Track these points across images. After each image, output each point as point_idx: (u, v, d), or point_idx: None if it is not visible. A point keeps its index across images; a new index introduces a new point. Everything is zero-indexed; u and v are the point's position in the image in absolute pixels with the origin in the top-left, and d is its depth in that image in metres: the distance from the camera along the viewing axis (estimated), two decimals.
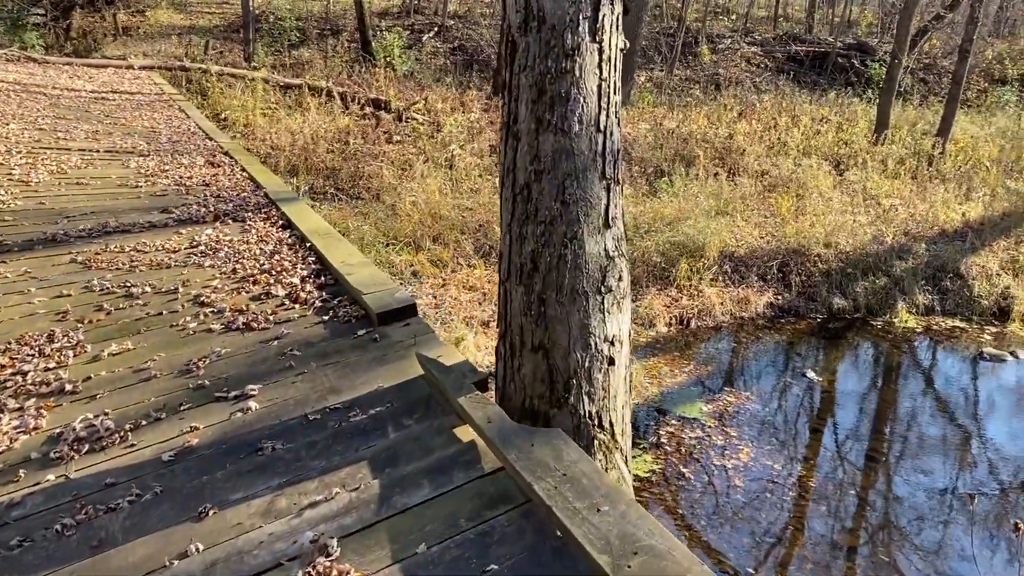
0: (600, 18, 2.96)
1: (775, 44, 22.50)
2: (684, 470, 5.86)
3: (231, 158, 7.88)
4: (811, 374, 7.51)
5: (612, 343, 3.04)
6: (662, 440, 6.23)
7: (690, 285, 9.01)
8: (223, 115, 13.20)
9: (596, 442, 3.04)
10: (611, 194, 3.06)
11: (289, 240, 5.33)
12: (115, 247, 5.19)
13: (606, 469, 3.02)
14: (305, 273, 4.67)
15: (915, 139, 14.70)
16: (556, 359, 3.00)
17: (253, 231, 5.54)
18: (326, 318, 4.07)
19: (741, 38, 22.78)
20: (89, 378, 3.54)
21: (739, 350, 8.11)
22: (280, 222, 5.77)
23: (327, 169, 11.59)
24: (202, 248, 5.18)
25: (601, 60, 3.00)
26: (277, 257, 4.96)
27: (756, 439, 6.28)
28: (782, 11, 26.79)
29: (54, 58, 13.51)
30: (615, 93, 3.06)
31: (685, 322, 8.57)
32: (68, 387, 3.45)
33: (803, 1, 29.79)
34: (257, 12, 19.95)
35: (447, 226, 9.73)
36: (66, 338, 3.93)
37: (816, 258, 9.71)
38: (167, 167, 7.36)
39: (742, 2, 28.74)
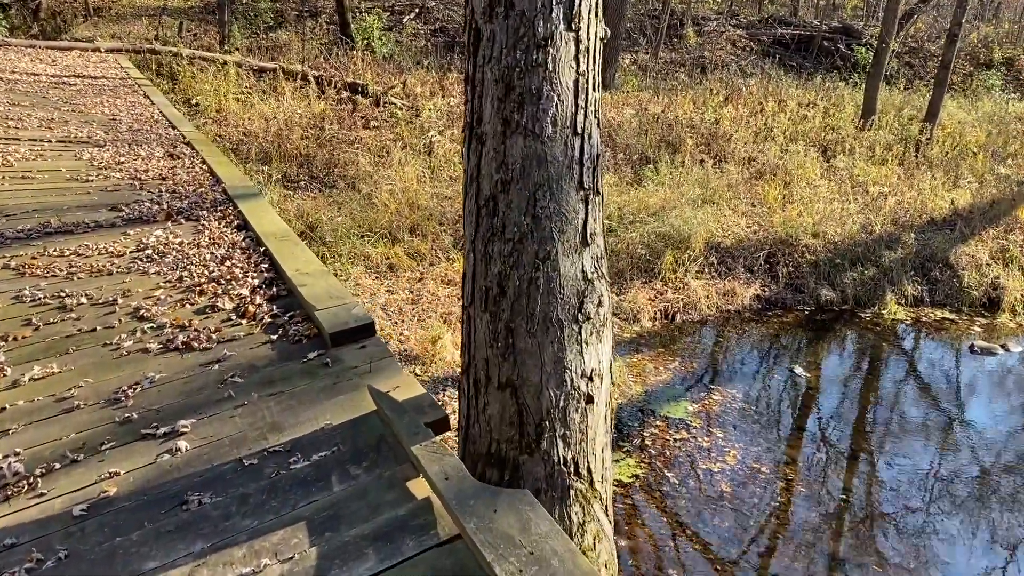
0: (577, 3, 2.52)
1: (760, 27, 22.03)
2: (669, 474, 5.51)
3: (193, 149, 7.39)
4: (799, 369, 7.18)
5: (590, 378, 2.63)
6: (646, 442, 5.89)
7: (675, 278, 8.63)
8: (194, 100, 12.65)
9: (572, 492, 2.63)
10: (589, 207, 2.63)
11: (243, 243, 4.87)
12: (54, 251, 4.72)
13: (583, 523, 2.61)
14: (257, 283, 4.22)
15: (902, 124, 14.33)
16: (526, 398, 2.58)
17: (206, 232, 5.08)
18: (275, 337, 3.62)
19: (726, 20, 22.29)
20: (4, 408, 3.10)
21: (725, 345, 7.76)
22: (236, 222, 5.30)
23: (301, 156, 11.11)
24: (149, 252, 4.72)
25: (578, 51, 2.57)
26: (228, 264, 4.50)
27: (743, 440, 5.95)
28: None
29: (16, 40, 12.89)
30: (594, 89, 2.63)
31: (670, 316, 8.20)
32: None
33: None
34: None
35: (424, 216, 9.30)
36: None
37: (804, 248, 9.35)
38: (123, 159, 6.87)
39: None
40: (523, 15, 2.49)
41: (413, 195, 9.85)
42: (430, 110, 13.24)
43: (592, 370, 2.62)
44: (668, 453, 5.79)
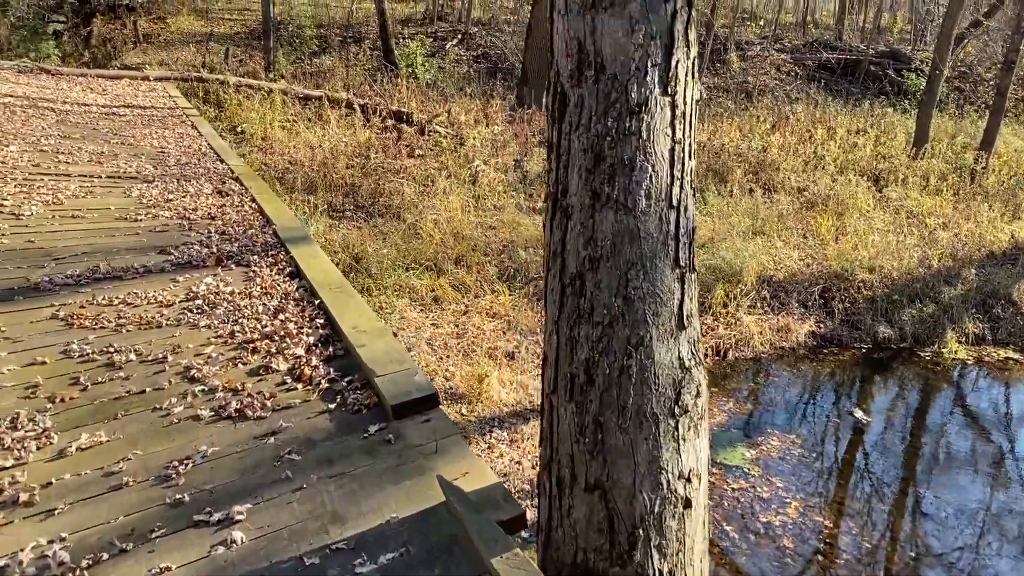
0: (673, 65, 2.27)
1: (805, 51, 21.62)
2: (728, 528, 5.20)
3: (241, 184, 7.23)
4: (859, 413, 6.83)
5: (688, 479, 2.35)
6: None
7: (726, 312, 8.31)
8: (240, 128, 12.61)
9: None
10: (685, 286, 2.37)
11: (296, 294, 4.66)
12: (103, 299, 4.54)
13: None
14: (312, 340, 4.00)
15: (955, 153, 13.87)
16: (617, 502, 2.31)
17: (257, 280, 4.88)
18: (332, 406, 3.38)
19: (770, 45, 21.92)
20: (50, 483, 2.90)
21: (781, 384, 7.42)
22: (288, 269, 5.10)
23: (347, 186, 10.98)
24: (199, 302, 4.53)
25: (674, 117, 2.31)
26: (282, 317, 4.29)
27: (804, 491, 5.62)
28: (810, 17, 25.89)
29: (68, 69, 12.94)
30: (690, 158, 2.37)
31: (722, 353, 7.89)
32: (24, 496, 2.81)
33: (831, 6, 28.85)
34: (278, 19, 19.36)
35: (469, 247, 9.10)
36: (32, 423, 3.29)
37: (860, 283, 8.98)
38: (172, 196, 6.73)
39: (770, 7, 27.86)
40: (615, 79, 2.25)
41: (458, 225, 9.67)
42: (474, 138, 13.08)
43: (690, 470, 2.35)
44: (726, 504, 5.49)
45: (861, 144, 14.07)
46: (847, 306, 8.80)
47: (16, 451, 3.10)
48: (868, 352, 8.18)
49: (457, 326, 7.69)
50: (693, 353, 2.39)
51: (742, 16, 25.68)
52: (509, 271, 8.82)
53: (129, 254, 5.34)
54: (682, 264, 2.35)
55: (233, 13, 21.83)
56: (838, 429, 6.60)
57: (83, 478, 2.94)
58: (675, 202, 2.33)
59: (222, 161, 8.17)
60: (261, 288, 4.73)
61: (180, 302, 4.55)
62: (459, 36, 21.13)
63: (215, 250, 5.41)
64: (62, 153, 7.74)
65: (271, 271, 5.04)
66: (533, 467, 5.64)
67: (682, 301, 2.36)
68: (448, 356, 7.11)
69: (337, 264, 8.18)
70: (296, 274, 5.00)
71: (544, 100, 2.53)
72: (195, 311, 4.42)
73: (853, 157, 13.33)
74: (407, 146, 13.04)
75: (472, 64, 20.21)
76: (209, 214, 6.31)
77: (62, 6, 19.11)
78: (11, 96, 10.18)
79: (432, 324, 7.68)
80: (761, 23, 25.87)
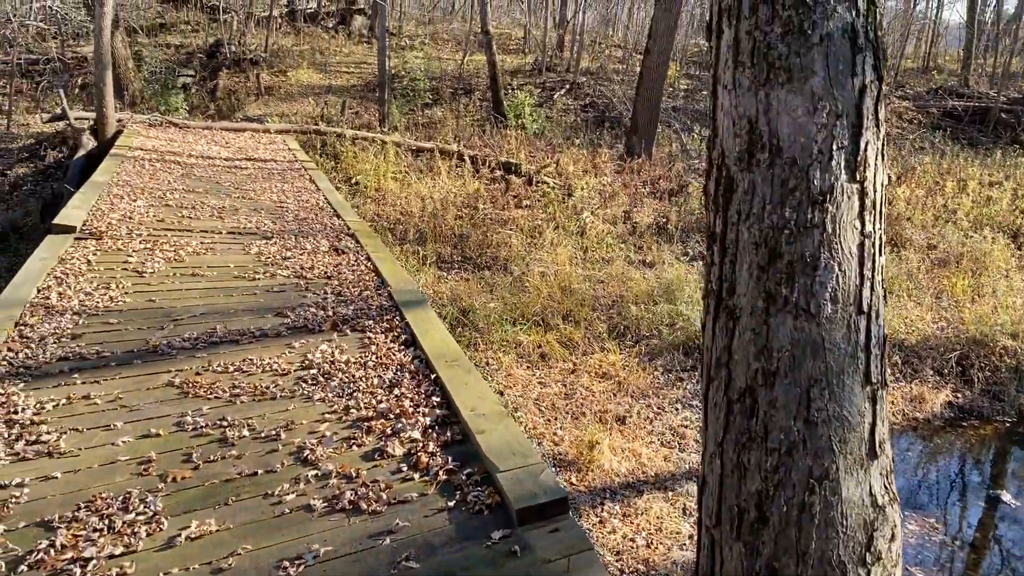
0: (862, 147, 1.93)
1: (928, 98, 20.63)
2: None
3: (357, 242, 7.15)
4: (1006, 496, 6.12)
5: None
6: None
7: None
8: (355, 180, 12.76)
9: None
10: (877, 406, 2.00)
11: (412, 366, 4.44)
12: (218, 365, 4.43)
13: None
14: (428, 422, 3.75)
15: None
16: None
17: (372, 348, 4.70)
18: (452, 503, 3.10)
19: (891, 91, 21.02)
20: None
21: (916, 460, 6.78)
22: (403, 336, 4.90)
23: (455, 237, 10.89)
24: (314, 372, 4.36)
25: (863, 207, 1.97)
26: (397, 392, 4.07)
27: None
28: (933, 62, 24.79)
29: (195, 122, 13.40)
30: (880, 253, 2.01)
31: None
32: None
33: (955, 51, 27.59)
34: (392, 72, 19.74)
35: (577, 302, 8.80)
36: (143, 505, 3.14)
37: (1001, 350, 8.21)
38: (289, 253, 6.69)
39: (890, 52, 26.85)
40: (793, 163, 1.92)
41: (565, 278, 9.39)
42: (582, 189, 12.84)
43: None
44: None
45: (996, 197, 13.15)
46: (988, 375, 8.06)
47: (126, 536, 2.95)
48: (1013, 426, 7.44)
49: (565, 386, 7.37)
50: (887, 487, 2.00)
51: None
52: (619, 328, 8.47)
53: (246, 316, 5.25)
54: (873, 380, 1.98)
55: (350, 67, 22.42)
56: (983, 513, 5.95)
57: (191, 573, 2.74)
58: (865, 307, 1.97)
59: (338, 216, 8.15)
60: (376, 358, 4.53)
61: (295, 370, 4.40)
62: (567, 86, 21.08)
63: (331, 313, 5.27)
64: (185, 208, 7.86)
65: (386, 338, 4.85)
66: (648, 545, 5.26)
67: (874, 424, 1.98)
68: (556, 418, 6.80)
69: (444, 318, 8.04)
70: (411, 342, 4.80)
71: (705, 185, 2.22)
72: (310, 381, 4.25)
73: (988, 211, 12.45)
74: (515, 197, 12.92)
75: (579, 113, 20.10)
76: (325, 273, 6.22)
77: (191, 61, 20.01)
78: (141, 149, 10.53)
79: (539, 383, 7.39)
80: None
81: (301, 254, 6.68)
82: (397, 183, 12.91)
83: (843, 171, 1.93)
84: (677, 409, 7.01)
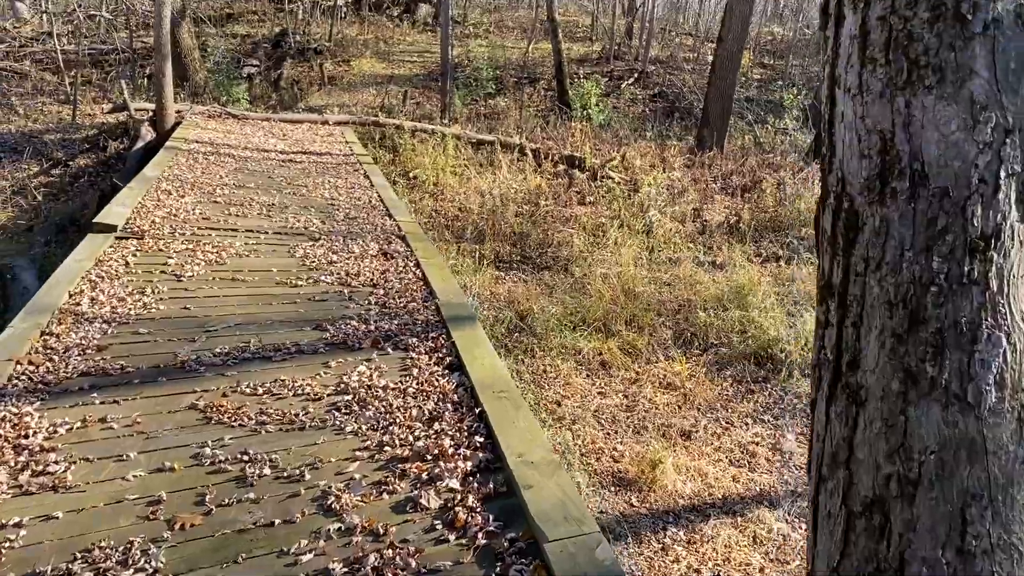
0: None
1: None
2: None
3: (407, 245, 6.73)
4: None
5: None
6: None
7: None
8: (413, 173, 12.38)
9: None
10: None
11: (455, 395, 3.97)
12: (247, 386, 4.04)
13: None
14: (470, 467, 3.27)
15: None
16: None
17: (414, 371, 4.25)
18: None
19: None
20: None
21: None
22: (448, 359, 4.43)
23: (515, 235, 10.43)
24: (348, 398, 3.93)
25: None
26: (437, 427, 3.61)
27: None
28: None
29: (254, 114, 13.19)
30: None
31: None
32: None
33: None
34: (456, 60, 19.32)
35: (642, 307, 8.27)
36: (144, 558, 2.76)
37: None
38: (335, 257, 6.30)
39: None
40: (944, 195, 1.39)
41: (629, 280, 8.85)
42: (650, 185, 12.21)
43: None
44: None
45: None
46: None
47: None
48: None
49: (627, 396, 6.87)
50: None
51: None
52: (685, 335, 7.93)
53: (283, 328, 4.87)
54: None
55: (413, 56, 22.08)
56: None
57: None
58: None
59: (391, 216, 7.75)
60: (417, 384, 4.08)
61: (329, 395, 3.98)
62: (635, 75, 20.36)
63: (373, 328, 4.84)
64: (234, 205, 7.55)
65: (430, 360, 4.40)
66: None
67: None
68: (616, 432, 6.32)
69: (501, 322, 7.59)
70: (457, 366, 4.33)
71: (817, 218, 1.69)
72: (343, 410, 3.82)
73: None
74: (578, 192, 12.38)
75: (648, 104, 19.39)
76: (371, 280, 5.80)
77: (256, 51, 19.91)
78: (198, 142, 10.30)
79: (599, 393, 6.91)
80: None
81: (348, 258, 6.28)
82: (456, 177, 12.50)
83: (1013, 207, 1.38)
84: (747, 424, 6.46)
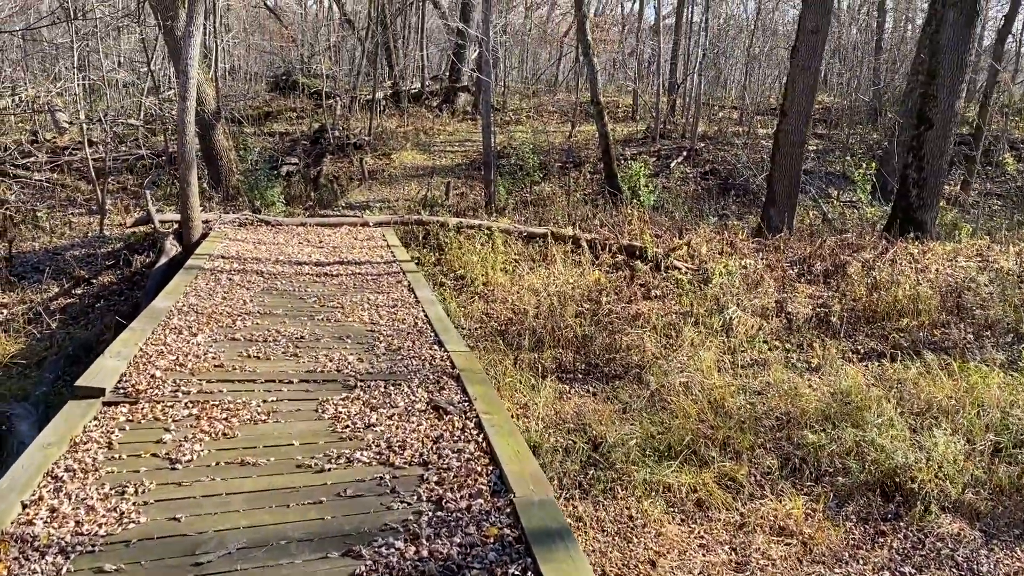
0: None
1: None
2: None
3: (464, 392, 5.24)
4: None
5: None
6: None
7: None
8: (460, 273, 11.05)
9: None
10: None
11: None
12: None
13: None
14: None
15: None
16: None
17: None
18: None
19: None
20: None
21: None
22: None
23: (577, 339, 8.95)
24: None
25: None
26: None
27: None
28: None
29: (288, 220, 11.99)
30: None
31: None
32: None
33: None
34: (498, 148, 18.20)
35: (736, 425, 6.75)
36: None
37: None
38: (374, 417, 4.84)
39: None
40: None
41: (715, 392, 7.33)
42: (721, 274, 10.69)
43: None
44: None
45: None
46: None
47: None
48: None
49: (733, 549, 5.33)
50: None
51: (1015, 109, 21.78)
52: (792, 461, 6.35)
53: (299, 554, 3.39)
54: None
55: (454, 145, 21.07)
56: None
57: None
58: None
59: (440, 344, 6.32)
60: None
61: None
62: (684, 153, 19.05)
63: (425, 553, 3.33)
64: (255, 342, 6.19)
65: None
66: None
67: None
68: None
69: (572, 455, 6.19)
70: None
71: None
72: None
73: None
74: (642, 286, 10.91)
75: (699, 182, 18.03)
76: (420, 457, 4.30)
77: (295, 148, 19.04)
78: (223, 257, 9.05)
79: (699, 544, 5.36)
80: None
81: (390, 418, 4.81)
82: (507, 276, 11.13)
83: None
84: None
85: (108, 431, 4.50)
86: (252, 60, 29.62)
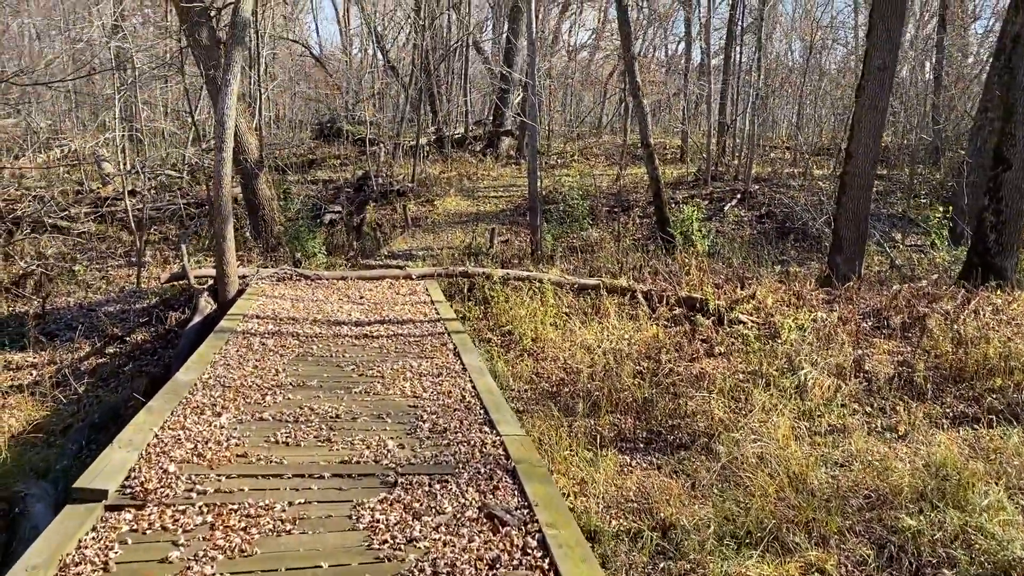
0: None
1: None
2: None
3: (522, 494, 4.42)
4: None
5: None
6: None
7: None
8: (507, 327, 10.30)
9: None
10: None
11: None
12: None
13: None
14: None
15: None
16: None
17: None
18: None
19: None
20: None
21: None
22: None
23: (636, 403, 8.10)
24: None
25: None
26: None
27: None
28: None
29: (327, 273, 11.38)
30: None
31: None
32: None
33: None
34: (544, 192, 17.52)
35: (820, 505, 5.83)
36: None
37: None
38: (417, 528, 4.04)
39: None
40: None
41: (794, 464, 6.43)
42: (790, 329, 9.75)
43: None
44: None
45: None
46: None
47: None
48: None
49: None
50: None
51: None
52: (888, 549, 5.42)
53: None
54: None
55: (499, 190, 20.46)
56: None
57: None
58: None
59: (491, 425, 5.53)
60: None
61: None
62: (738, 195, 18.16)
63: None
64: (285, 423, 5.46)
65: None
66: None
67: None
68: None
69: (639, 543, 5.38)
70: None
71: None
72: None
73: None
74: (704, 342, 10.02)
75: (755, 225, 17.11)
76: None
77: (339, 196, 18.59)
78: (257, 318, 8.40)
79: None
80: None
81: (435, 530, 4.00)
82: (558, 331, 10.34)
83: None
84: None
85: (106, 547, 3.76)
86: (297, 108, 29.56)
